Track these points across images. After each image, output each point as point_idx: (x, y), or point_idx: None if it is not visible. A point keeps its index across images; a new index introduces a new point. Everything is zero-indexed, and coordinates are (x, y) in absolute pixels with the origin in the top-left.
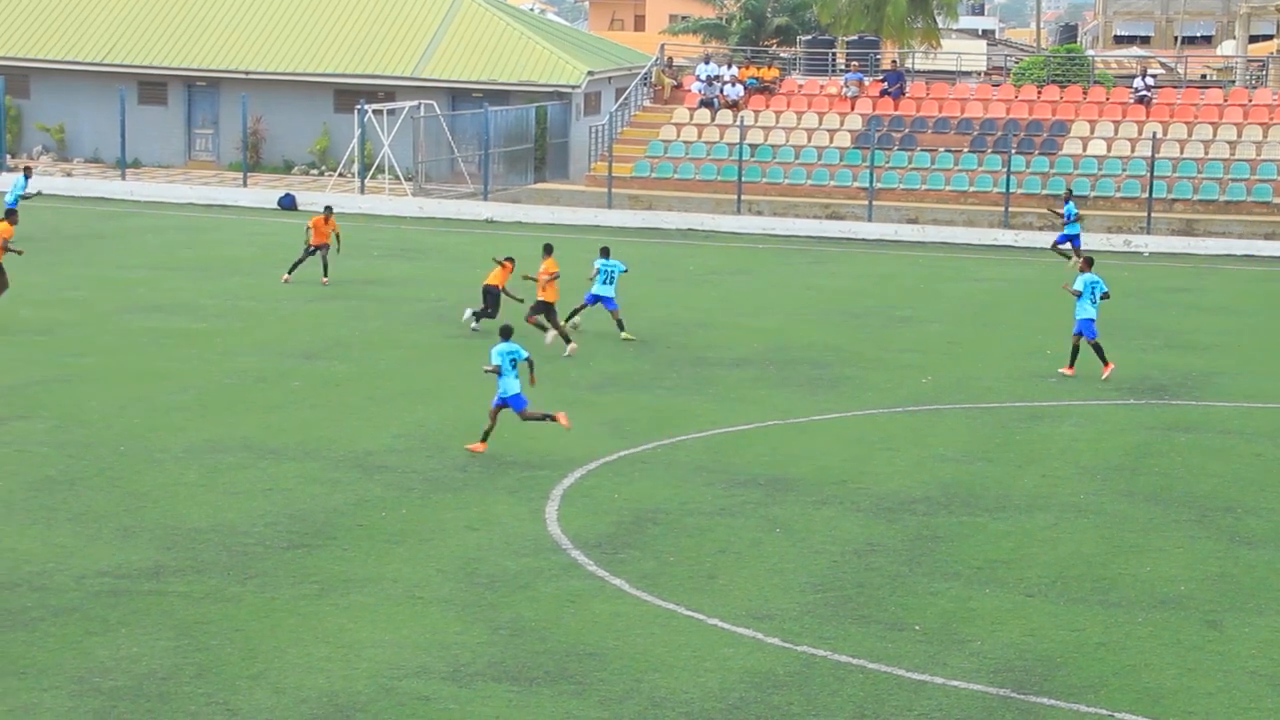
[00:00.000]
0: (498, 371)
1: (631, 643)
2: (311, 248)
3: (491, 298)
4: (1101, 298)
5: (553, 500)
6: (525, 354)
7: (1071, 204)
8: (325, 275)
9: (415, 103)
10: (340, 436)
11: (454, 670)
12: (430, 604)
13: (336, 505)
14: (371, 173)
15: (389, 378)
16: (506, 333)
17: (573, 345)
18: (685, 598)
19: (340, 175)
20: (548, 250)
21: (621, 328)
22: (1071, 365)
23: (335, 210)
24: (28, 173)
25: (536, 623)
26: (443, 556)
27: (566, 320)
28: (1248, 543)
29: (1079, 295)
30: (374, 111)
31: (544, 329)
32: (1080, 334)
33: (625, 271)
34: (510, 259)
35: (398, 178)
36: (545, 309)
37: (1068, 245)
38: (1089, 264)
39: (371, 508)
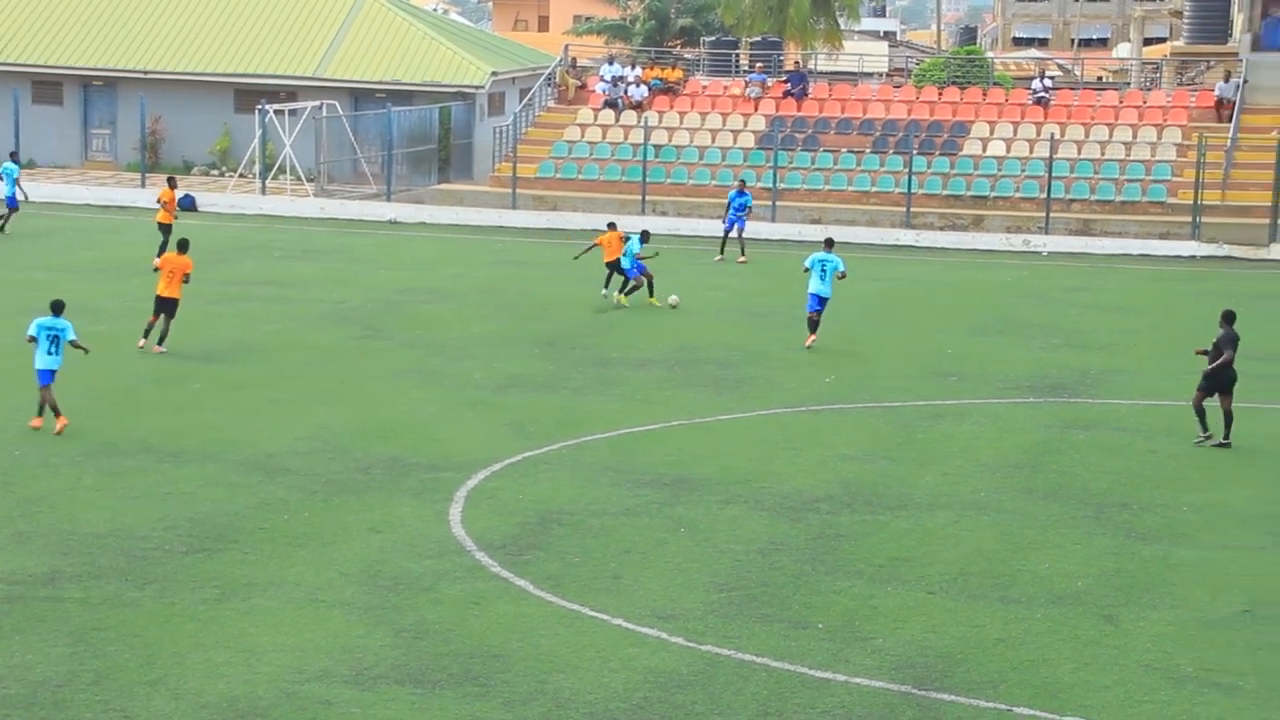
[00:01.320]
0: (33, 341)
1: (536, 644)
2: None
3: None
4: (838, 276)
5: (457, 502)
6: (71, 334)
7: None
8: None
9: (317, 103)
10: (242, 439)
11: (356, 674)
12: (333, 607)
13: (238, 509)
14: (273, 173)
15: (291, 380)
16: (57, 307)
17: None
18: (590, 598)
19: (241, 176)
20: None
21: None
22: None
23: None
24: None
25: (440, 625)
26: (346, 559)
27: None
28: (1143, 538)
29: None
30: (275, 112)
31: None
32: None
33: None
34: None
35: (299, 179)
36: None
37: None
38: (829, 244)
39: (274, 511)
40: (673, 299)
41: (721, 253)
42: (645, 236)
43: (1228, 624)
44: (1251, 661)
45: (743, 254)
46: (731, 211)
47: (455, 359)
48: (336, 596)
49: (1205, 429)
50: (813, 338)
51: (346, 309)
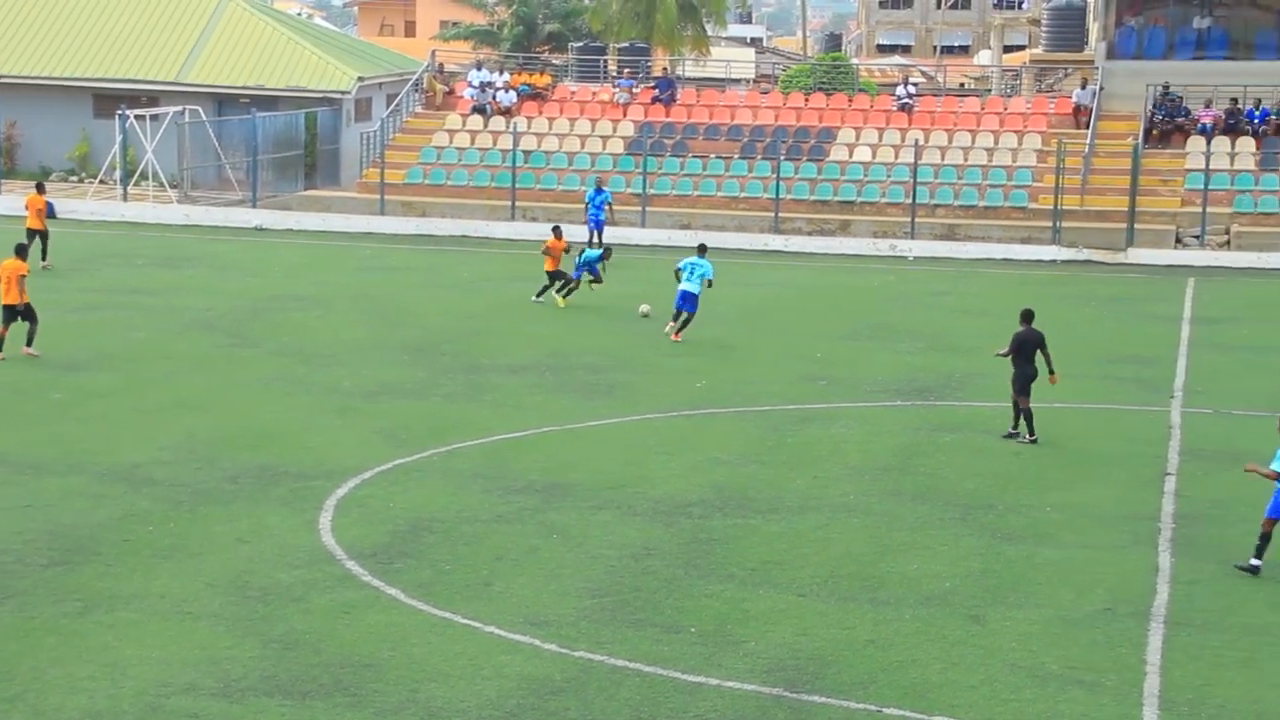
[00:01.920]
0: None
1: (407, 652)
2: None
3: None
4: (706, 284)
5: (326, 510)
6: None
7: None
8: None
9: (179, 108)
10: (105, 450)
11: (224, 686)
12: (199, 619)
13: (101, 520)
14: (134, 180)
15: (156, 389)
16: None
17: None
18: (462, 606)
19: (102, 182)
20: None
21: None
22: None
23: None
24: None
25: (310, 635)
26: (212, 570)
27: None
28: (1008, 539)
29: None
30: (136, 117)
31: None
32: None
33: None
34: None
35: (162, 185)
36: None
37: None
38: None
39: (138, 522)
40: (643, 308)
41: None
42: (607, 253)
43: (1090, 622)
44: (1112, 658)
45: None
46: (592, 209)
47: (324, 366)
48: (203, 608)
49: (1031, 430)
50: (673, 325)
51: (212, 317)
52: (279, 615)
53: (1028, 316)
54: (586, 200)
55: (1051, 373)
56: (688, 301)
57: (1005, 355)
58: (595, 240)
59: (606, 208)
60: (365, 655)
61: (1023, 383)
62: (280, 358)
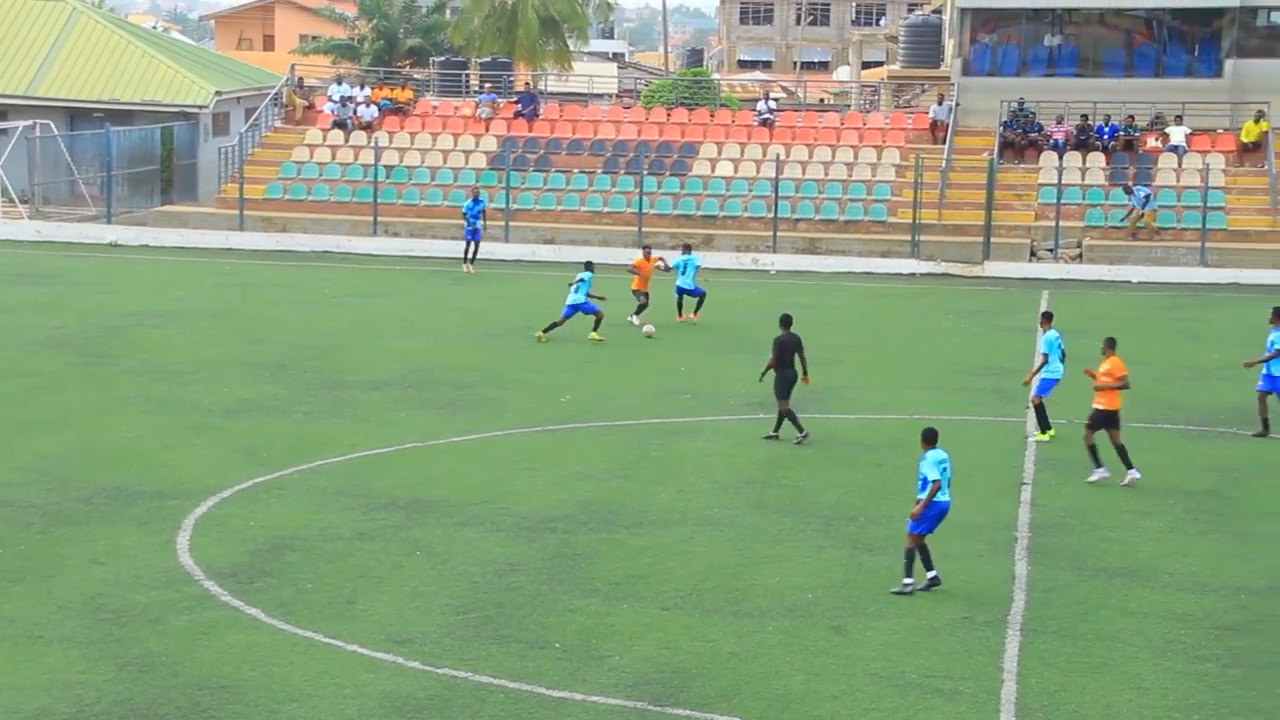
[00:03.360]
0: None
1: (268, 673)
2: None
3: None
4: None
5: (185, 530)
6: None
7: None
8: None
9: (29, 122)
10: None
11: (77, 710)
12: (51, 643)
13: None
14: None
15: (7, 408)
16: None
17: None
18: (324, 624)
19: None
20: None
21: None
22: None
23: None
24: None
25: (167, 657)
26: (65, 593)
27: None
28: (869, 549)
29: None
30: None
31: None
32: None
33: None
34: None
35: (12, 200)
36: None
37: None
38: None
39: None
40: (648, 328)
41: (471, 264)
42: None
43: (948, 631)
44: (970, 667)
45: (468, 262)
46: (470, 221)
47: (183, 384)
48: (55, 631)
49: (800, 429)
50: (544, 334)
51: (66, 334)
52: (135, 637)
53: (787, 321)
54: (464, 212)
55: (805, 374)
56: (571, 310)
57: (770, 367)
58: (470, 254)
59: (482, 217)
60: (224, 676)
61: (784, 386)
62: (137, 376)
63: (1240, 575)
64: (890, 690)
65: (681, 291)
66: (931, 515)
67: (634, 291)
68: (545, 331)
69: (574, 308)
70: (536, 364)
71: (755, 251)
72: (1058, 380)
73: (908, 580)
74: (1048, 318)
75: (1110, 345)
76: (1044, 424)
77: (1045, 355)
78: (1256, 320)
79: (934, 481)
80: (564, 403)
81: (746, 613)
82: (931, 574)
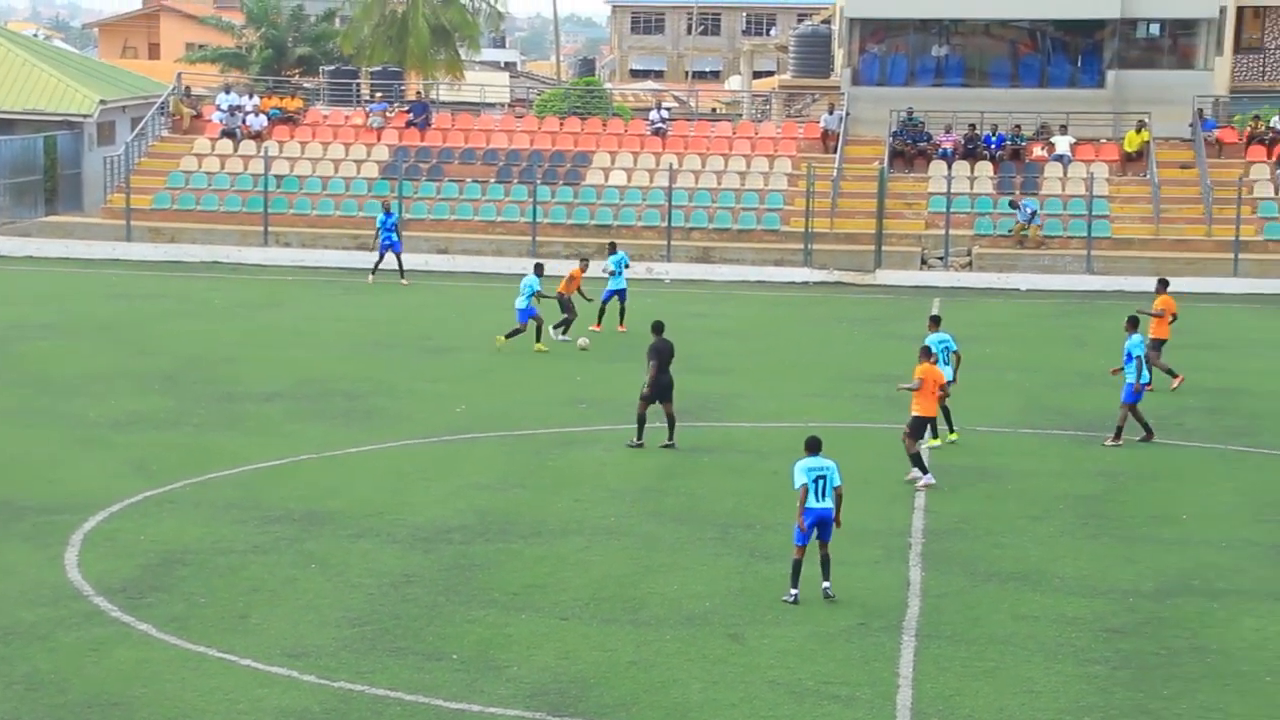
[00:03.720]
0: None
1: (159, 689)
2: None
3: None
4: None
5: (73, 545)
6: None
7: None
8: None
9: None
10: None
11: None
12: None
13: None
14: None
15: None
16: None
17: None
18: (217, 639)
19: None
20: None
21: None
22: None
23: None
24: None
25: (55, 674)
26: None
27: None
28: (765, 557)
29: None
30: None
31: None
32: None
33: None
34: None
35: None
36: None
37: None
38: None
39: None
40: (582, 341)
41: (372, 275)
42: (539, 270)
43: (845, 637)
44: (866, 673)
45: (372, 273)
46: (384, 233)
47: (68, 397)
48: None
49: (639, 437)
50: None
51: None
52: (22, 655)
53: (659, 328)
54: (378, 225)
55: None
56: (524, 317)
57: (652, 374)
58: (377, 265)
59: (395, 230)
60: (114, 694)
61: (662, 391)
62: (21, 389)
63: (1127, 578)
64: (787, 697)
65: (612, 294)
66: (808, 523)
67: (560, 298)
68: (507, 338)
69: (524, 313)
70: (431, 374)
71: (649, 260)
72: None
73: (793, 590)
74: (935, 321)
75: (925, 353)
76: (948, 425)
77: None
78: (1141, 327)
79: (800, 487)
80: (459, 413)
81: (644, 621)
82: (793, 593)
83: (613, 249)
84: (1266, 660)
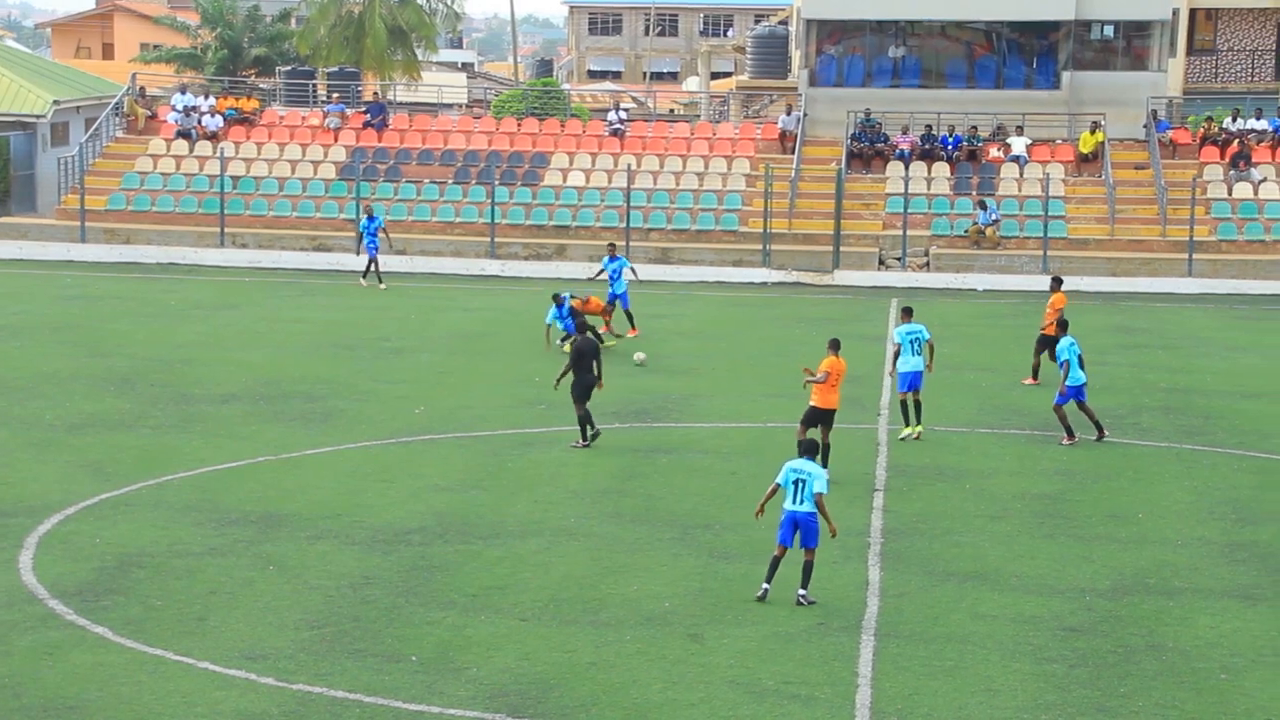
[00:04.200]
0: None
1: (116, 693)
2: None
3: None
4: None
5: (27, 548)
6: None
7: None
8: None
9: None
10: None
11: None
12: None
13: None
14: None
15: None
16: None
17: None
18: (174, 642)
19: None
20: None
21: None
22: None
23: None
24: None
25: (10, 678)
26: None
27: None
28: (725, 557)
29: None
30: None
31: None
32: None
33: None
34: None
35: None
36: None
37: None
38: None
39: None
40: (638, 356)
41: (380, 280)
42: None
43: (804, 637)
44: (826, 672)
45: (379, 280)
46: (367, 238)
47: (23, 399)
48: None
49: (584, 437)
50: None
51: None
52: None
53: (582, 327)
54: (360, 229)
55: (599, 380)
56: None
57: (566, 371)
58: (368, 269)
59: (379, 233)
60: (70, 698)
61: (581, 390)
62: None
63: (1084, 577)
64: (747, 697)
65: (614, 299)
66: (782, 524)
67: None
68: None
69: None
70: (389, 375)
71: None
72: (917, 374)
73: (765, 585)
74: (908, 312)
75: (834, 346)
76: (917, 419)
77: (898, 345)
78: (1097, 326)
79: (774, 485)
80: (418, 414)
81: (604, 622)
82: (764, 587)
83: (612, 252)
84: (1221, 657)
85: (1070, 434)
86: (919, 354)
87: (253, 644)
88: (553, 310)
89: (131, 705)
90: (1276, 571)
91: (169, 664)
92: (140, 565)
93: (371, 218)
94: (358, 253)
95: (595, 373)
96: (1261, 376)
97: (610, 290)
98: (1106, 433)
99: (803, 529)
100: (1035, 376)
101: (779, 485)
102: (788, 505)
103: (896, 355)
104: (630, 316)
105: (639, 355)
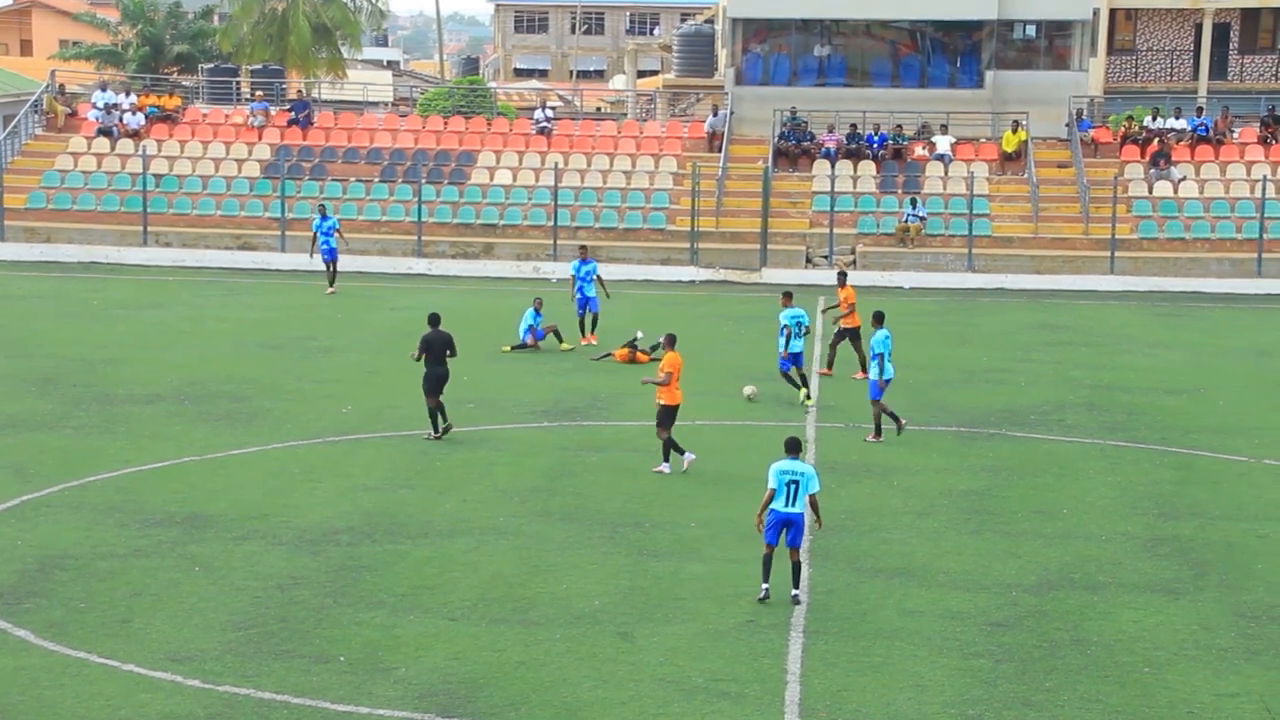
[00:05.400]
0: None
1: (38, 696)
2: None
3: None
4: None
5: None
6: None
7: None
8: None
9: None
10: None
11: None
12: None
13: None
14: None
15: None
16: None
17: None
18: (98, 645)
19: None
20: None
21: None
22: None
23: None
24: None
25: None
26: None
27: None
28: (655, 555)
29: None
30: None
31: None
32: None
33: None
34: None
35: None
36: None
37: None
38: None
39: None
40: (748, 390)
41: (330, 284)
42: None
43: (734, 635)
44: (755, 669)
45: (329, 283)
46: (322, 238)
47: None
48: None
49: (436, 429)
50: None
51: None
52: None
53: (435, 320)
54: (314, 230)
55: (449, 374)
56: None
57: (417, 359)
58: (330, 269)
59: (335, 234)
60: None
61: (433, 383)
62: None
63: (1010, 572)
64: (677, 695)
65: (585, 304)
66: (770, 524)
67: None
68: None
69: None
70: (316, 375)
71: (536, 260)
72: (799, 354)
73: (764, 585)
74: (788, 296)
75: (670, 342)
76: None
77: (788, 327)
78: (1021, 323)
79: (769, 490)
80: (345, 413)
81: (533, 621)
82: (764, 588)
83: (583, 254)
84: (1145, 651)
85: (878, 432)
86: (801, 337)
87: (178, 646)
88: (530, 313)
89: (55, 709)
90: (1198, 566)
91: (93, 667)
92: (63, 567)
93: (324, 216)
94: (311, 255)
95: (445, 366)
96: (1182, 373)
97: (579, 294)
98: (905, 422)
99: (793, 529)
100: (830, 367)
101: (774, 490)
102: (780, 507)
103: (789, 338)
104: (595, 322)
105: (749, 389)
